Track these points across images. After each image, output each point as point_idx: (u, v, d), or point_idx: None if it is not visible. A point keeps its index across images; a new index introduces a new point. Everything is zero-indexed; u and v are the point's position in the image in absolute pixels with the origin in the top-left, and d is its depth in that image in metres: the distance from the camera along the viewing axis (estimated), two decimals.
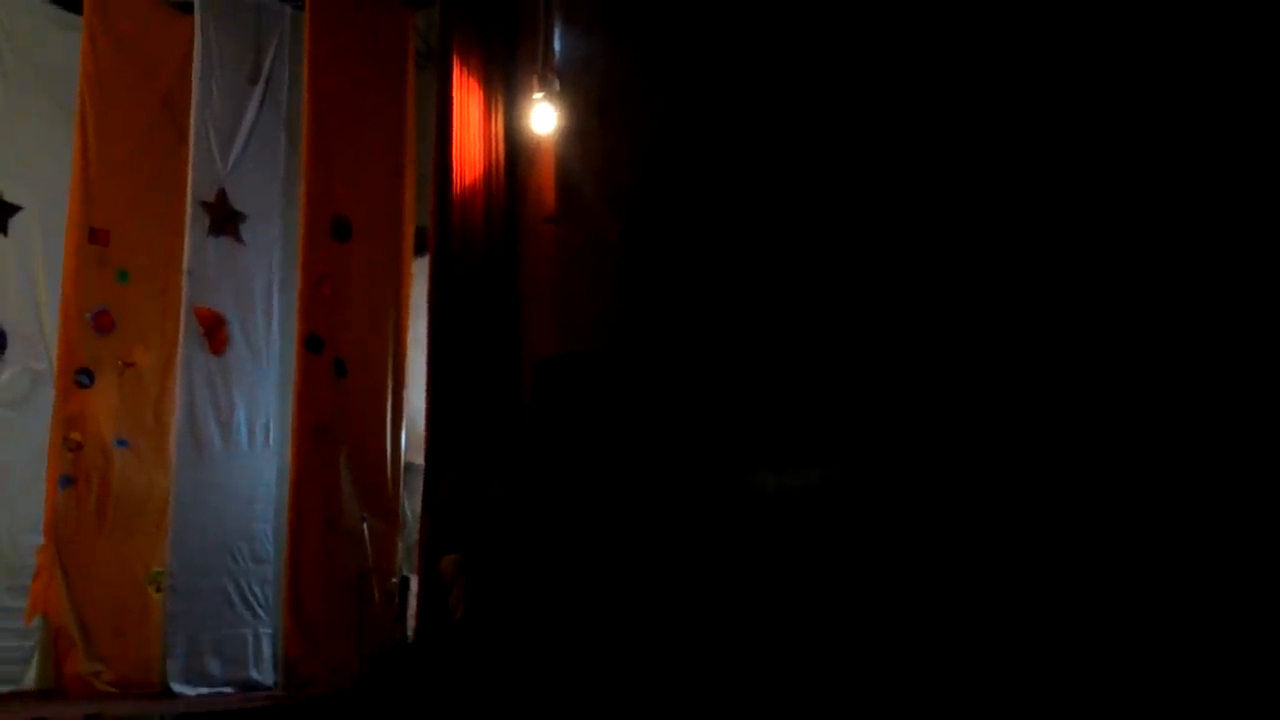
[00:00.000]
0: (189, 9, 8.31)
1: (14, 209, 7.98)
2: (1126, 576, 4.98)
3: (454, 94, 8.27)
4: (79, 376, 7.64)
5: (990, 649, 5.31)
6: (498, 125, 8.48)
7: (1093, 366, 5.23)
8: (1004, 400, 5.55)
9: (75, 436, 7.57)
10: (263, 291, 8.44)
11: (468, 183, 8.25)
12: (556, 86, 8.00)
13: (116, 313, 7.83)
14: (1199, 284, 4.95)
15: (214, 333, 8.06)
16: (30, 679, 7.45)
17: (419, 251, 8.76)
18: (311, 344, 8.16)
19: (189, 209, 8.07)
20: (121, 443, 7.73)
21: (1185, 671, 4.72)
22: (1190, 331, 4.96)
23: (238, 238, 8.31)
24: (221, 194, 8.24)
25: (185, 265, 7.99)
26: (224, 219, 8.25)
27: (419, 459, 8.32)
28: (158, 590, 7.58)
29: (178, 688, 7.43)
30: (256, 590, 8.00)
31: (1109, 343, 5.19)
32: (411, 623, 7.91)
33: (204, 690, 7.53)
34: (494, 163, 8.41)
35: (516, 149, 8.48)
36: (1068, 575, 5.16)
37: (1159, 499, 4.94)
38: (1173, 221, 5.05)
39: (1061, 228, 5.39)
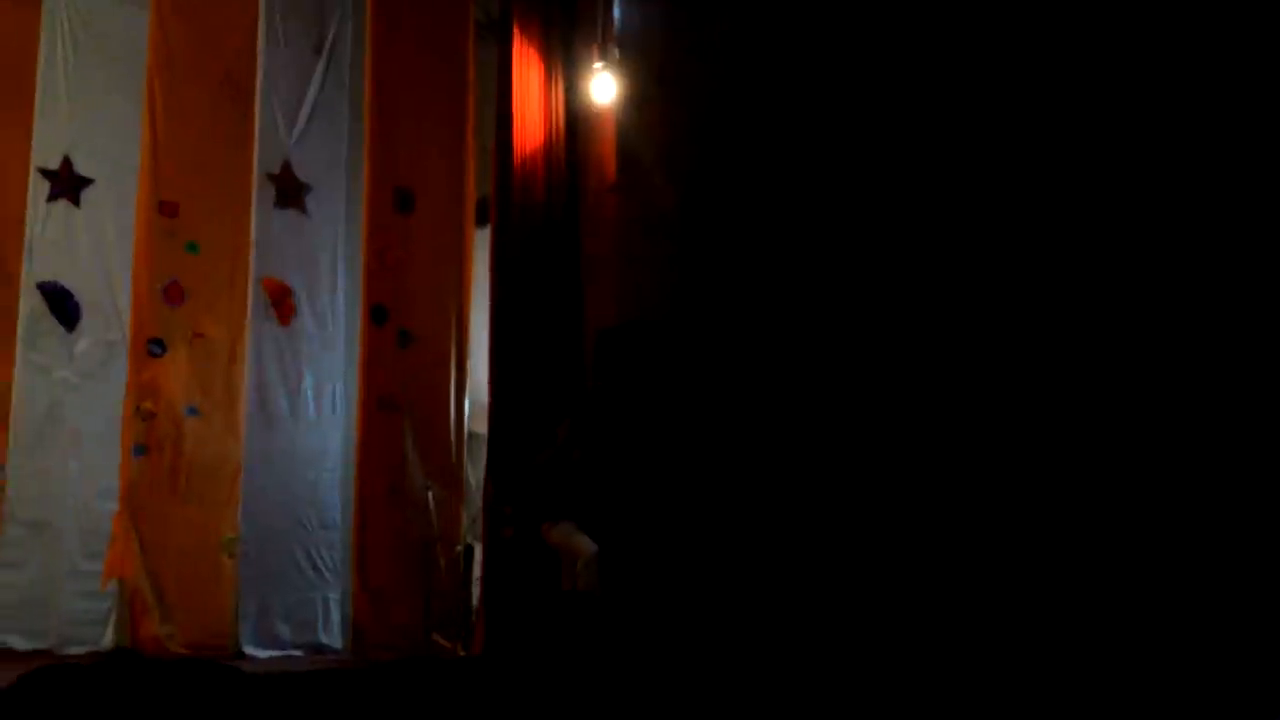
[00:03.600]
0: None
1: (86, 182, 8.12)
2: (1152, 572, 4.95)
3: (514, 64, 8.30)
4: (151, 347, 7.77)
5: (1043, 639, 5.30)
6: (558, 95, 8.50)
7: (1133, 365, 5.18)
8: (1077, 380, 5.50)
9: (148, 406, 7.71)
10: (328, 263, 8.54)
11: (528, 153, 8.29)
12: (616, 55, 7.99)
13: (186, 284, 7.94)
14: (1201, 281, 4.89)
15: (281, 304, 8.18)
16: (107, 640, 7.66)
17: (480, 222, 8.82)
18: (376, 315, 8.27)
19: (255, 181, 8.17)
20: (193, 411, 7.85)
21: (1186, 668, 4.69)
22: (1192, 328, 4.90)
23: (303, 209, 8.41)
24: (287, 166, 8.34)
25: (253, 237, 8.10)
26: (290, 191, 8.35)
27: (482, 428, 8.41)
28: (229, 556, 7.73)
29: (249, 650, 7.62)
30: (325, 556, 8.15)
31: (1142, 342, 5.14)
32: (477, 589, 8.03)
33: (274, 653, 7.71)
34: (554, 132, 8.43)
35: (576, 118, 8.50)
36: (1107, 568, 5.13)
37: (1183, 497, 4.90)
38: (1174, 221, 4.99)
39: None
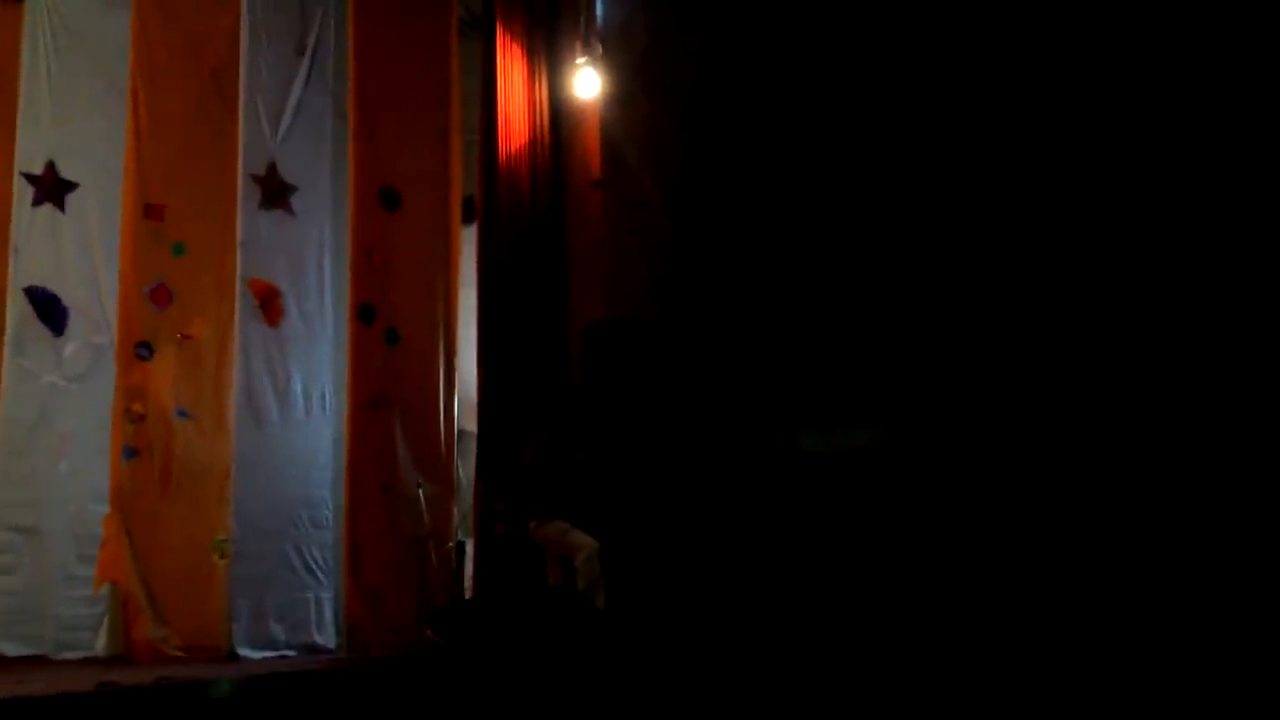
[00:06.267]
0: None
1: (70, 186, 8.10)
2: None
3: (498, 61, 8.32)
4: (139, 349, 7.78)
5: (1034, 615, 5.33)
6: (542, 91, 8.52)
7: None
8: (1054, 358, 5.54)
9: (137, 408, 7.71)
10: (314, 262, 8.53)
11: (513, 150, 8.31)
12: (599, 51, 8.02)
13: (173, 286, 7.95)
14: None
15: (268, 304, 8.17)
16: (100, 645, 7.65)
17: (467, 220, 8.83)
18: (363, 314, 8.28)
19: (240, 183, 8.16)
20: (182, 413, 7.85)
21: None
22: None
23: (289, 210, 8.40)
24: (272, 167, 8.32)
25: (239, 238, 8.09)
26: (275, 192, 8.33)
27: (471, 425, 8.43)
28: (222, 557, 7.73)
29: (243, 651, 7.59)
30: (317, 555, 8.14)
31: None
32: (469, 585, 8.05)
33: (268, 653, 7.70)
34: (539, 129, 8.45)
35: (561, 115, 8.52)
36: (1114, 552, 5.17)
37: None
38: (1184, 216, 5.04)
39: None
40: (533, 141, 8.38)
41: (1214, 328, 5.01)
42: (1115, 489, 5.22)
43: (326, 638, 8.11)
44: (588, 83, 8.10)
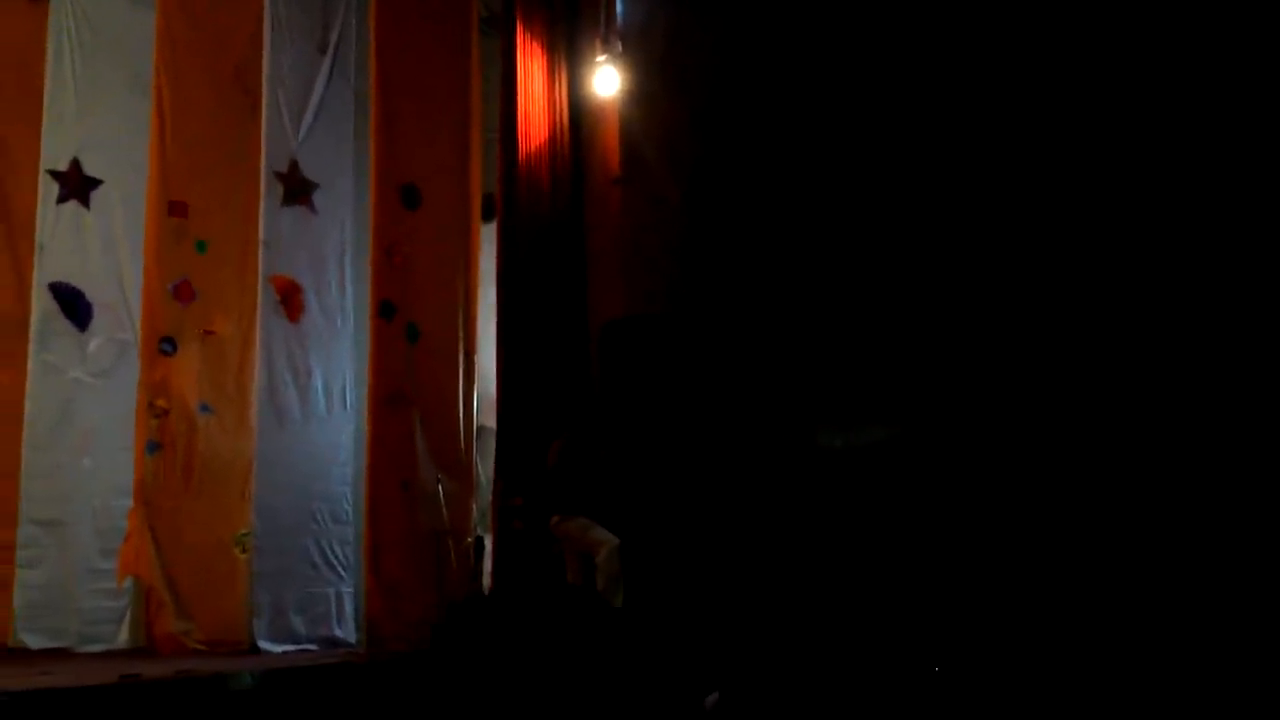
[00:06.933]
0: None
1: (95, 183, 8.17)
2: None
3: (518, 58, 8.35)
4: (162, 345, 7.83)
5: (1055, 610, 5.32)
6: (561, 89, 8.55)
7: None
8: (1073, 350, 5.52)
9: (160, 403, 7.77)
10: (335, 259, 8.59)
11: (533, 147, 8.33)
12: (619, 49, 8.04)
13: (196, 283, 7.99)
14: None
15: (290, 300, 8.23)
16: (123, 638, 7.75)
17: (487, 217, 8.86)
18: (384, 311, 8.32)
19: (263, 180, 8.21)
20: (205, 408, 7.90)
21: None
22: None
23: (311, 207, 8.45)
24: (294, 164, 8.37)
25: (261, 235, 8.15)
26: (297, 189, 8.39)
27: (491, 422, 8.47)
28: (243, 551, 7.79)
29: (264, 645, 7.66)
30: (338, 550, 8.20)
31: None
32: (487, 580, 8.09)
33: (289, 647, 7.76)
34: (558, 127, 8.48)
35: (580, 112, 8.54)
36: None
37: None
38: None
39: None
40: (552, 139, 8.41)
41: (1236, 332, 5.00)
42: (1139, 486, 5.20)
43: (346, 632, 8.17)
44: (607, 80, 8.12)
